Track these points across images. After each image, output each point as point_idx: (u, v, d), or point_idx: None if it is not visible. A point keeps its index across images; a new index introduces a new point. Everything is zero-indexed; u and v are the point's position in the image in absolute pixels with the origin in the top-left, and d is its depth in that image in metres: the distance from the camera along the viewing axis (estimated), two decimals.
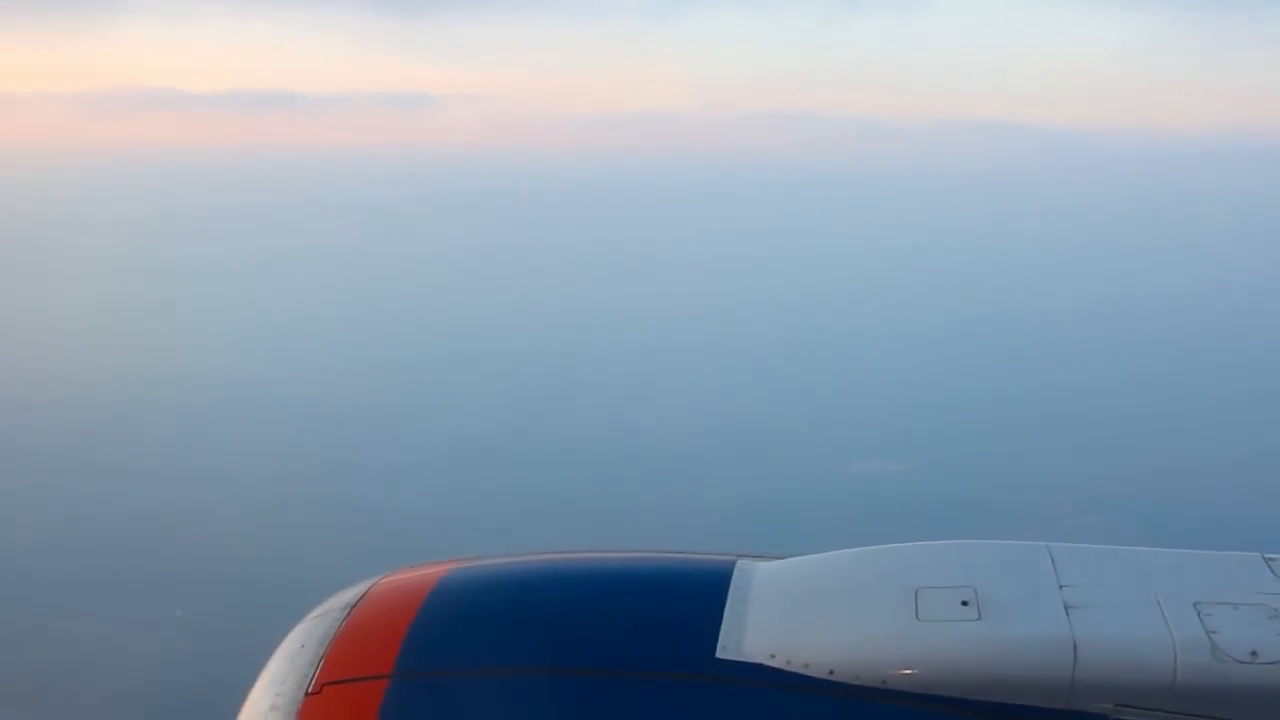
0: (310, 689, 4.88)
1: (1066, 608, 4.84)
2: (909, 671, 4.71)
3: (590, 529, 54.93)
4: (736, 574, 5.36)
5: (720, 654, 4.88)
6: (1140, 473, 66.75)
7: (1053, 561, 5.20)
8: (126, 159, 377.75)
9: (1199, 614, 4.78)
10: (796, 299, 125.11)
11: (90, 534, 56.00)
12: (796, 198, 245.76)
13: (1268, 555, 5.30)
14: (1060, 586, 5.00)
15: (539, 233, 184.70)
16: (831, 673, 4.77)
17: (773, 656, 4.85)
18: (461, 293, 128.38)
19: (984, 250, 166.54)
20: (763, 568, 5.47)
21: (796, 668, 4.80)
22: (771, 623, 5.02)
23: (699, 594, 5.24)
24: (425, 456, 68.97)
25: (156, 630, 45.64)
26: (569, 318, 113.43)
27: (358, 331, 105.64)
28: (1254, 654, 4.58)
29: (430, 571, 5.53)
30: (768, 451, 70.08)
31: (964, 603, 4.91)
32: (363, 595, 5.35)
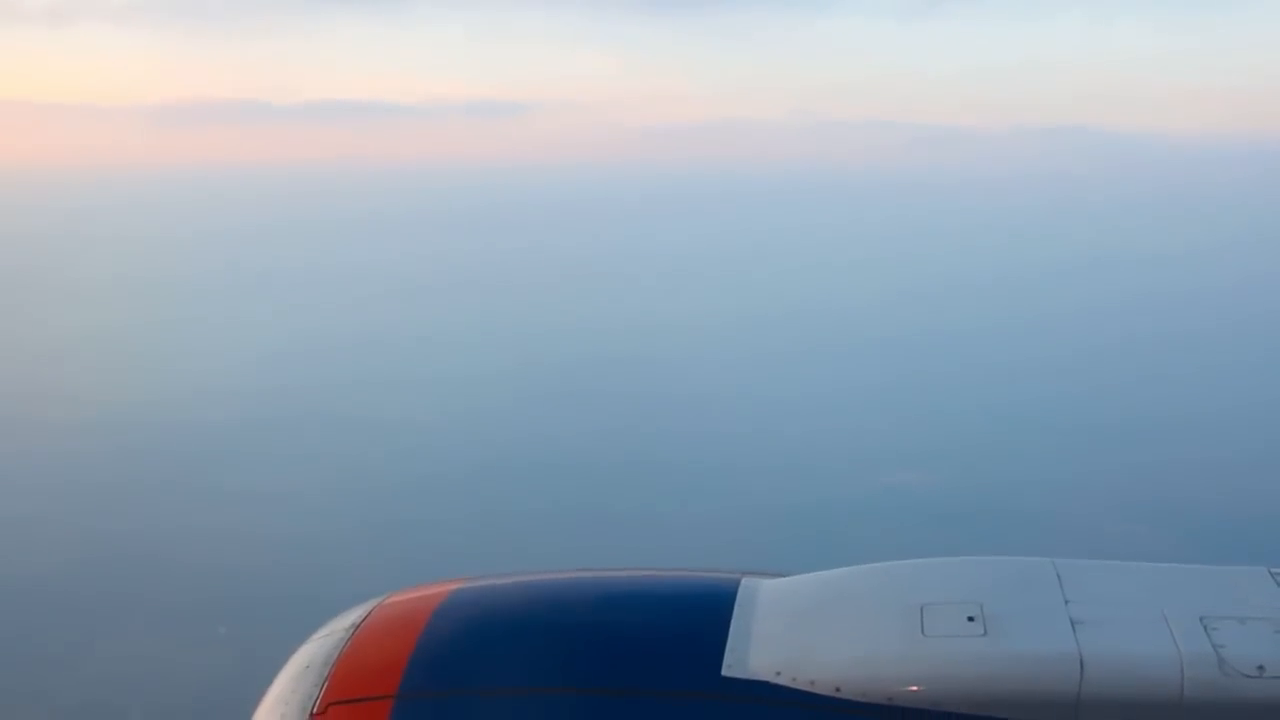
0: (315, 709, 4.90)
1: (1073, 623, 4.81)
2: (915, 688, 4.69)
3: (615, 541, 54.81)
4: (741, 591, 5.35)
5: (726, 672, 4.87)
6: (1182, 478, 65.78)
7: (1059, 577, 5.17)
8: (209, 173, 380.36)
9: (1205, 629, 4.75)
10: (841, 307, 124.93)
11: (124, 552, 56.29)
12: (866, 204, 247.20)
13: (1274, 569, 5.26)
14: (1066, 602, 4.97)
15: (608, 243, 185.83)
16: (838, 690, 4.75)
17: (779, 674, 4.83)
18: (518, 304, 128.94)
19: (1032, 255, 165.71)
20: (768, 585, 5.45)
21: (802, 685, 4.79)
22: (777, 640, 5.00)
23: (704, 612, 5.23)
24: (463, 468, 69.13)
25: (201, 648, 45.79)
26: (613, 327, 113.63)
27: (423, 344, 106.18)
28: (1261, 669, 4.55)
29: (434, 591, 5.54)
30: (797, 464, 69.63)
31: (970, 619, 4.89)
32: (367, 615, 5.37)
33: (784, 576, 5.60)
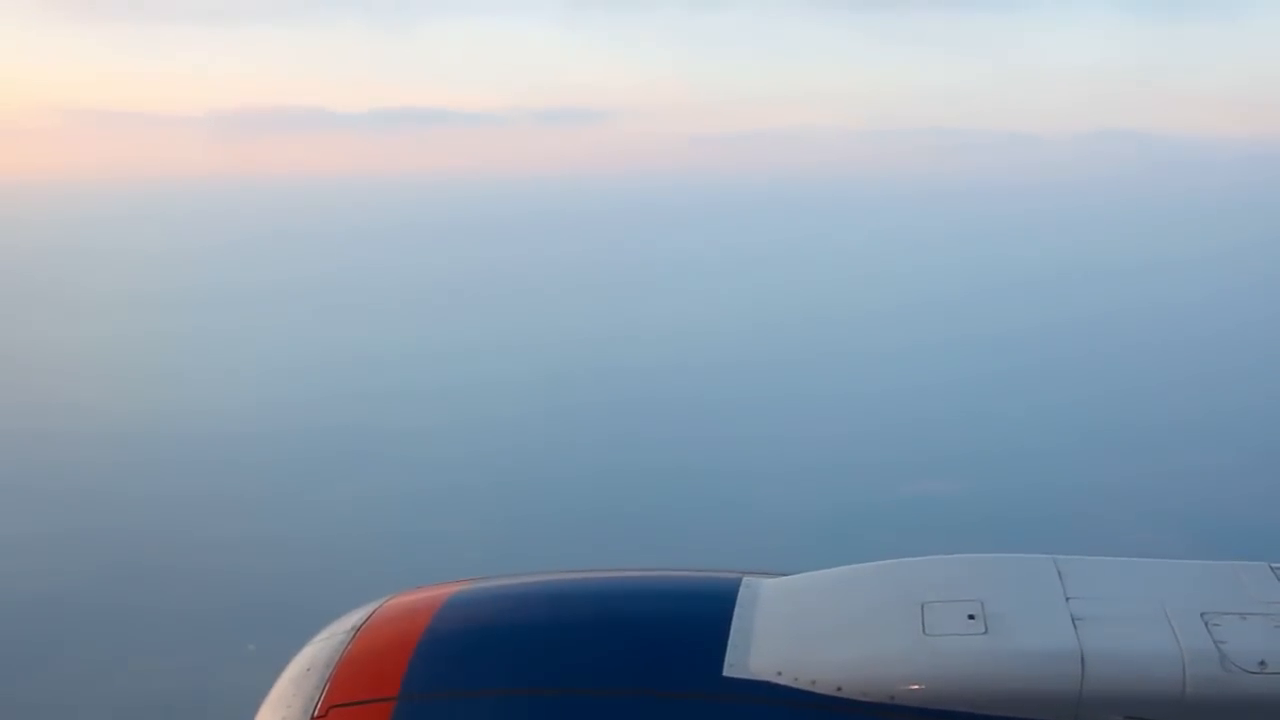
0: (316, 712, 4.90)
1: (1074, 620, 4.81)
2: (916, 687, 4.68)
3: (631, 547, 55.00)
4: (742, 591, 5.35)
5: (727, 672, 4.86)
6: (1208, 483, 65.30)
7: (1059, 574, 5.17)
8: (269, 183, 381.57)
9: (1207, 625, 4.73)
10: (871, 313, 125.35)
11: (143, 567, 56.53)
12: (910, 211, 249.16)
13: (1274, 565, 5.24)
14: (1067, 599, 4.96)
15: (666, 250, 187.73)
16: (839, 689, 4.74)
17: (780, 674, 4.83)
18: (560, 311, 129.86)
19: (1056, 260, 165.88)
20: (769, 584, 5.45)
21: (803, 685, 4.78)
22: (778, 640, 5.00)
23: (705, 612, 5.22)
24: (486, 478, 69.43)
25: (232, 666, 45.79)
26: (649, 334, 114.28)
27: (464, 352, 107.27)
28: (1263, 664, 4.53)
29: (435, 593, 5.55)
30: (816, 473, 69.44)
31: (970, 617, 4.88)
32: (368, 617, 5.37)
33: (784, 575, 5.61)
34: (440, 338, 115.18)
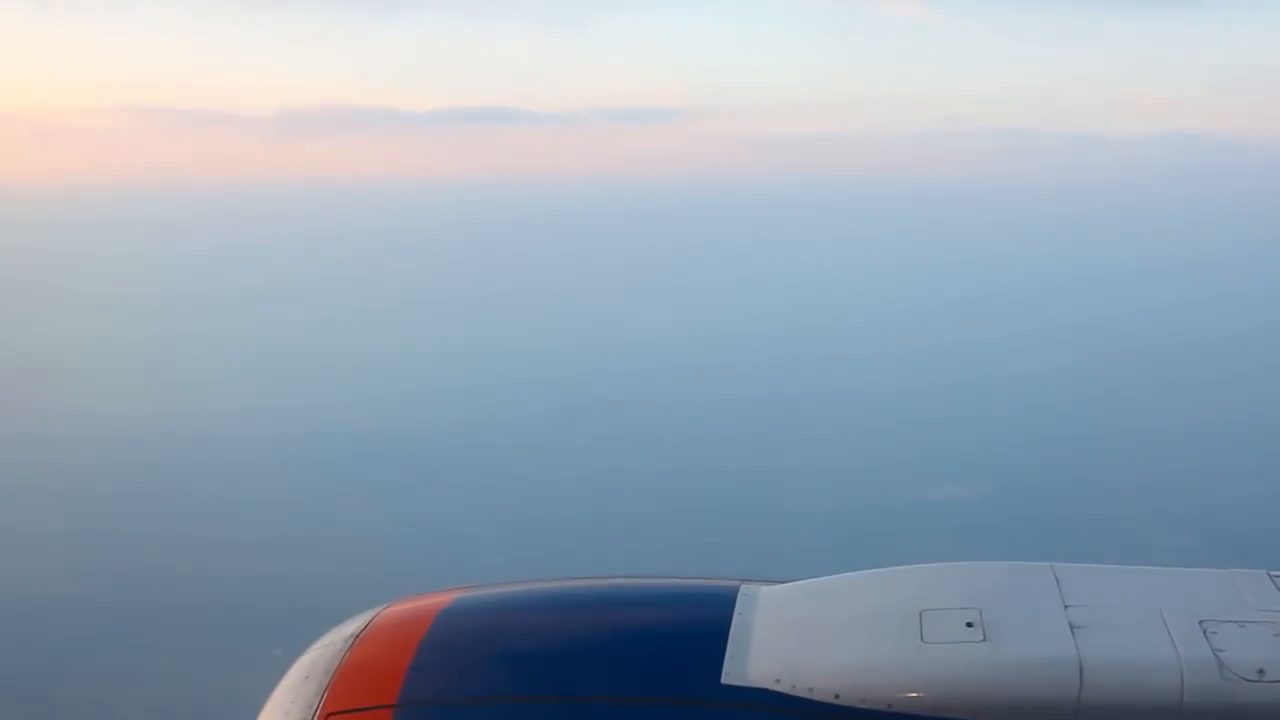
0: None
1: (1072, 628, 4.80)
2: (915, 694, 4.68)
3: (645, 549, 55.06)
4: (741, 598, 5.35)
5: (725, 679, 4.87)
6: (1237, 489, 64.71)
7: (1057, 581, 5.15)
8: (330, 183, 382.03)
9: (1205, 632, 4.72)
10: (900, 310, 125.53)
11: (162, 570, 56.75)
12: (963, 211, 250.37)
13: (1273, 572, 5.22)
14: (1065, 607, 4.95)
15: (720, 252, 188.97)
16: (837, 697, 4.74)
17: (778, 681, 4.83)
18: (584, 316, 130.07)
19: (1100, 260, 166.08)
20: (767, 592, 5.45)
21: (802, 692, 4.78)
22: (776, 647, 5.00)
23: (703, 619, 5.23)
24: (500, 481, 69.53)
25: (258, 669, 45.82)
26: (691, 336, 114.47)
27: (498, 354, 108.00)
28: (1261, 672, 4.52)
29: (434, 600, 5.56)
30: (838, 474, 69.15)
31: (969, 624, 4.87)
32: (366, 625, 5.39)
33: (783, 583, 5.60)
34: (467, 340, 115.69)
